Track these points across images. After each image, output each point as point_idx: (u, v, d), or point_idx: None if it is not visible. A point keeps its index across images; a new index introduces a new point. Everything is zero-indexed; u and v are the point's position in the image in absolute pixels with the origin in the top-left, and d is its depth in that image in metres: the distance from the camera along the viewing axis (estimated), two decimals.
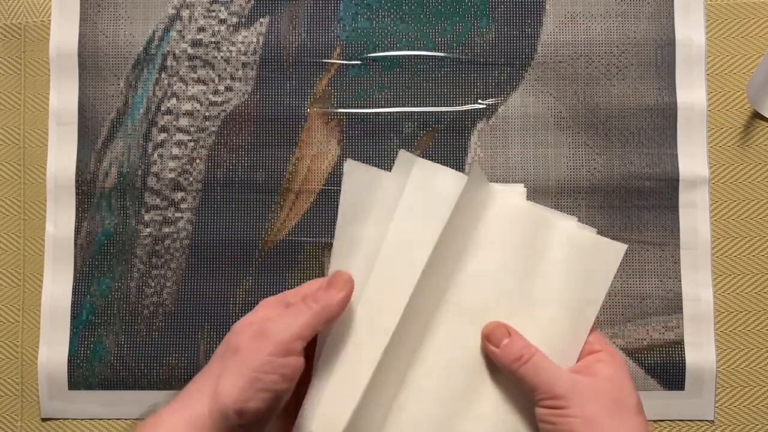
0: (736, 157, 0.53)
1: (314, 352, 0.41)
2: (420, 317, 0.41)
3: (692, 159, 0.52)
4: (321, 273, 0.52)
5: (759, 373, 0.52)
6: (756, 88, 0.52)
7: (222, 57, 0.53)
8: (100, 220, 0.53)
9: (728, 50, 0.53)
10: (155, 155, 0.53)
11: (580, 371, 0.40)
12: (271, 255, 0.52)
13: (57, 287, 0.53)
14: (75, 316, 0.53)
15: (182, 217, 0.53)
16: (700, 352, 0.51)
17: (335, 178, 0.53)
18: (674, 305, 0.52)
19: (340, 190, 0.52)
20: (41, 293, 0.53)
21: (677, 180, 0.52)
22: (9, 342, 0.53)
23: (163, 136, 0.53)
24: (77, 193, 0.53)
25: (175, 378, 0.52)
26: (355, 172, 0.43)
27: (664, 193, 0.52)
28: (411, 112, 0.53)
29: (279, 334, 0.37)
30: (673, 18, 0.53)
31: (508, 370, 0.40)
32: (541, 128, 0.53)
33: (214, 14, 0.54)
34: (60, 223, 0.53)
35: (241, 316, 0.52)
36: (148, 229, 0.53)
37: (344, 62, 0.53)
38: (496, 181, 0.52)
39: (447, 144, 0.53)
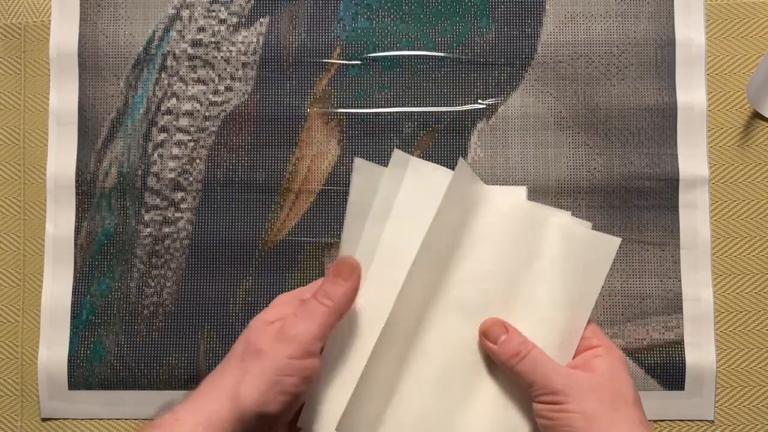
0: (736, 157, 0.53)
1: None
2: (412, 314, 0.41)
3: (692, 159, 0.52)
4: (321, 273, 0.52)
5: (759, 373, 0.52)
6: (756, 88, 0.52)
7: (222, 57, 0.53)
8: (100, 220, 0.53)
9: (728, 50, 0.53)
10: (155, 155, 0.53)
11: (578, 366, 0.40)
12: (271, 255, 0.52)
13: (57, 287, 0.53)
14: (75, 316, 0.53)
15: (182, 217, 0.53)
16: (700, 352, 0.51)
17: (335, 178, 0.53)
18: (674, 305, 0.52)
19: (340, 190, 0.53)
20: (41, 293, 0.53)
21: (677, 180, 0.52)
22: (9, 342, 0.53)
23: (163, 136, 0.53)
24: (77, 193, 0.53)
25: (175, 378, 0.52)
26: (363, 170, 0.44)
27: (664, 193, 0.52)
28: (411, 112, 0.53)
29: (299, 337, 0.37)
30: (673, 18, 0.53)
31: (505, 367, 0.40)
32: (541, 128, 0.53)
33: (214, 14, 0.54)
34: (60, 223, 0.53)
35: (241, 316, 0.52)
36: (148, 229, 0.53)
37: (344, 62, 0.53)
38: (497, 182, 0.52)
39: (447, 144, 0.53)
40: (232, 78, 0.53)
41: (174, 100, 0.53)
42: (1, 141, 0.54)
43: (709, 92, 0.53)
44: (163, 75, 0.54)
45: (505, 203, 0.43)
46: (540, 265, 0.42)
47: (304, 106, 0.53)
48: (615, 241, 0.43)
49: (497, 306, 0.42)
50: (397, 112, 0.53)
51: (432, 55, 0.53)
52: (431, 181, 0.43)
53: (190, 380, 0.52)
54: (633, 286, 0.52)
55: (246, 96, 0.53)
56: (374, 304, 0.41)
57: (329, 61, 0.53)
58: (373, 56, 0.53)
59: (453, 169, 0.43)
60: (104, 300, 0.53)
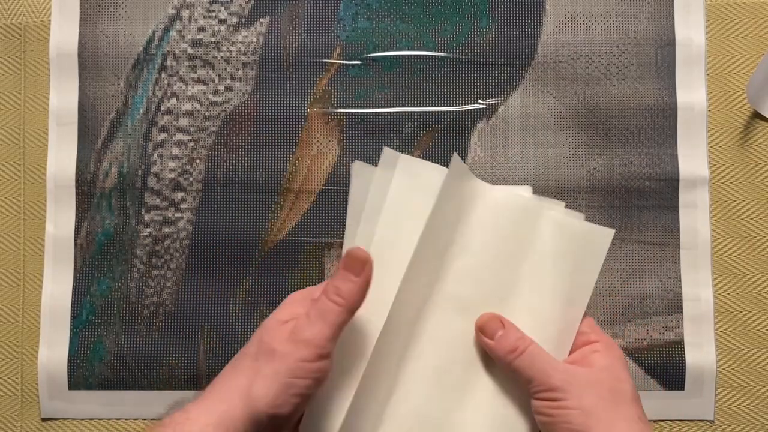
0: (736, 157, 0.53)
1: None
2: (410, 312, 0.41)
3: (692, 159, 0.52)
4: (321, 273, 0.52)
5: (759, 373, 0.52)
6: (756, 88, 0.52)
7: (222, 57, 0.53)
8: (100, 220, 0.53)
9: (728, 50, 0.53)
10: (155, 155, 0.53)
11: (576, 362, 0.40)
12: (271, 255, 0.52)
13: (57, 287, 0.53)
14: (75, 316, 0.53)
15: (182, 217, 0.53)
16: (700, 352, 0.51)
17: (335, 178, 0.53)
18: (674, 305, 0.52)
19: (340, 190, 0.53)
20: (41, 293, 0.53)
21: (677, 180, 0.52)
22: (9, 342, 0.53)
23: (163, 136, 0.53)
24: (77, 193, 0.53)
25: (175, 378, 0.52)
26: (361, 173, 0.44)
27: (664, 193, 0.52)
28: (411, 112, 0.53)
29: (312, 340, 0.37)
30: (673, 18, 0.53)
31: (502, 363, 0.40)
32: (541, 128, 0.53)
33: (214, 14, 0.54)
34: (60, 223, 0.53)
35: (241, 316, 0.52)
36: (148, 229, 0.53)
37: (344, 62, 0.53)
38: (497, 182, 0.52)
39: (447, 144, 0.53)
40: (232, 78, 0.53)
41: (174, 100, 0.53)
42: (1, 141, 0.54)
43: (709, 92, 0.53)
44: (163, 75, 0.54)
45: (498, 197, 0.43)
46: (534, 259, 0.42)
47: (304, 106, 0.53)
48: (608, 233, 0.42)
49: (492, 301, 0.42)
50: (397, 112, 0.53)
51: (432, 55, 0.53)
52: (421, 177, 0.43)
53: (190, 380, 0.52)
54: (633, 286, 0.52)
55: (246, 96, 0.53)
56: (370, 304, 0.41)
57: (329, 61, 0.53)
58: (373, 56, 0.53)
59: (448, 166, 0.43)
60: (104, 300, 0.53)
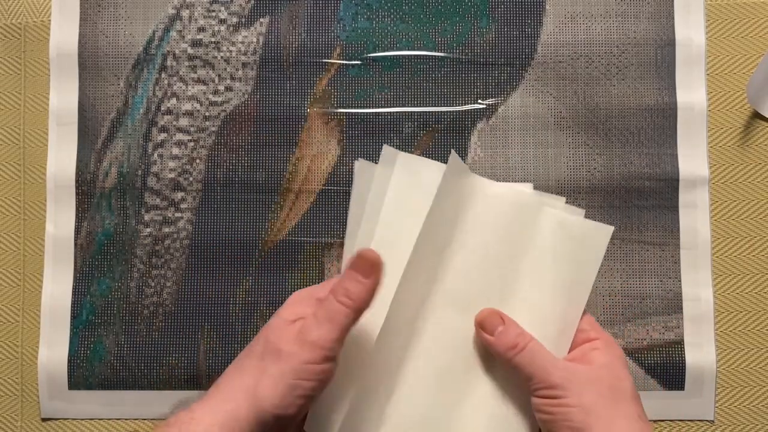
0: (736, 157, 0.53)
1: None
2: (409, 311, 0.41)
3: (692, 159, 0.52)
4: (321, 273, 0.52)
5: (759, 373, 0.52)
6: (756, 88, 0.52)
7: (222, 57, 0.53)
8: (100, 220, 0.53)
9: (728, 50, 0.53)
10: (155, 155, 0.53)
11: (576, 359, 0.40)
12: (271, 255, 0.52)
13: (57, 287, 0.53)
14: (75, 316, 0.53)
15: (182, 217, 0.53)
16: (700, 352, 0.51)
17: (335, 178, 0.53)
18: (674, 305, 0.52)
19: (340, 190, 0.53)
20: (41, 293, 0.53)
21: (677, 180, 0.52)
22: (9, 342, 0.53)
23: (163, 136, 0.53)
24: (77, 193, 0.53)
25: (175, 378, 0.52)
26: (363, 171, 0.44)
27: (664, 193, 0.52)
28: (411, 112, 0.53)
29: (318, 342, 0.36)
30: (673, 18, 0.53)
31: (502, 359, 0.40)
32: (541, 128, 0.53)
33: (214, 14, 0.54)
34: (60, 223, 0.53)
35: (241, 316, 0.52)
36: (148, 229, 0.53)
37: (344, 62, 0.53)
38: (497, 181, 0.52)
39: (447, 144, 0.53)
40: (232, 78, 0.53)
41: (174, 100, 0.53)
42: (1, 141, 0.54)
43: (709, 92, 0.53)
44: (163, 75, 0.54)
45: (498, 194, 0.43)
46: (534, 256, 0.42)
47: (304, 106, 0.53)
48: (608, 230, 0.42)
49: (492, 299, 0.42)
50: (397, 112, 0.53)
51: (432, 55, 0.53)
52: (420, 175, 0.43)
53: (190, 380, 0.52)
54: (633, 286, 0.52)
55: (246, 96, 0.53)
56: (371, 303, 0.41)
57: (329, 61, 0.53)
58: (373, 56, 0.53)
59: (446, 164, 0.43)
60: (104, 300, 0.53)
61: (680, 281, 0.52)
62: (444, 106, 0.53)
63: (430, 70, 0.53)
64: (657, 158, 0.52)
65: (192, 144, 0.53)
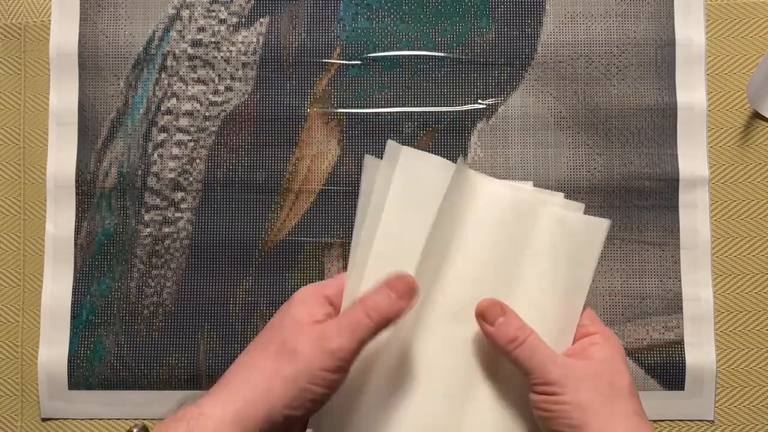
0: (736, 157, 0.53)
1: None
2: (411, 314, 0.41)
3: (692, 159, 0.52)
4: (321, 273, 0.52)
5: (759, 373, 0.52)
6: (756, 88, 0.52)
7: (222, 57, 0.53)
8: (100, 220, 0.53)
9: (728, 50, 0.53)
10: (155, 155, 0.53)
11: (575, 354, 0.40)
12: (271, 255, 0.52)
13: (57, 287, 0.53)
14: (75, 316, 0.53)
15: (182, 217, 0.53)
16: (700, 352, 0.51)
17: (335, 178, 0.53)
18: (674, 305, 0.52)
19: (340, 190, 0.53)
20: (41, 293, 0.53)
21: (677, 180, 0.52)
22: (9, 342, 0.53)
23: (163, 136, 0.53)
24: (77, 193, 0.53)
25: (175, 378, 0.52)
26: (371, 167, 0.43)
27: (664, 193, 0.52)
28: (411, 112, 0.53)
29: (337, 352, 0.36)
30: (673, 18, 0.53)
31: (502, 351, 0.39)
32: (541, 128, 0.53)
33: (214, 14, 0.54)
34: (60, 223, 0.53)
35: (241, 316, 0.52)
36: (148, 229, 0.53)
37: (344, 62, 0.53)
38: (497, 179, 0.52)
39: (447, 144, 0.53)
40: (232, 78, 0.53)
41: (174, 100, 0.53)
42: (1, 141, 0.54)
43: (709, 92, 0.53)
44: (163, 75, 0.54)
45: (495, 194, 0.42)
46: (533, 255, 0.42)
47: (304, 106, 0.53)
48: (604, 223, 0.42)
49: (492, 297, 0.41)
50: (397, 112, 0.53)
51: (432, 55, 0.53)
52: (423, 172, 0.42)
53: (190, 380, 0.52)
54: (633, 286, 0.52)
55: (246, 96, 0.53)
56: None
57: (329, 61, 0.53)
58: (373, 56, 0.53)
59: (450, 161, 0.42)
60: (104, 300, 0.53)
61: (680, 281, 0.52)
62: (444, 106, 0.53)
63: (430, 70, 0.53)
64: (657, 158, 0.52)
65: (192, 144, 0.53)
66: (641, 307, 0.52)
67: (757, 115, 0.53)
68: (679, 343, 0.51)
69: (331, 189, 0.53)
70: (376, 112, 0.53)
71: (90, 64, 0.54)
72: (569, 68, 0.53)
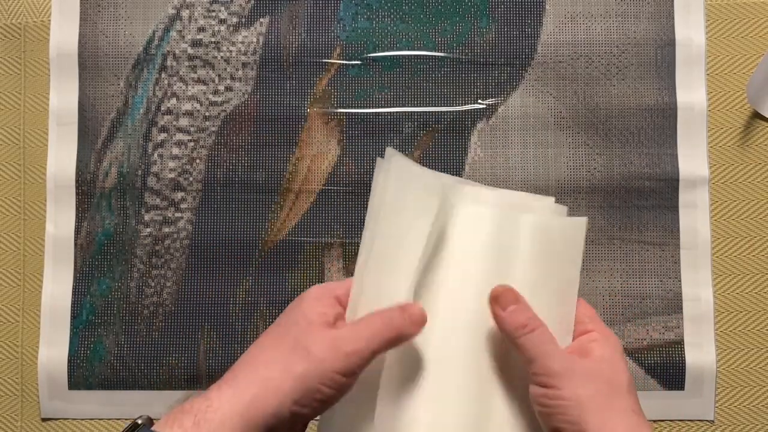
0: (736, 157, 0.53)
1: None
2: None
3: (692, 159, 0.52)
4: (321, 273, 0.52)
5: (759, 373, 0.52)
6: (756, 88, 0.52)
7: (222, 57, 0.53)
8: (100, 220, 0.53)
9: (728, 50, 0.53)
10: (155, 155, 0.53)
11: (574, 351, 0.40)
12: (271, 255, 0.52)
13: (57, 287, 0.53)
14: (75, 316, 0.53)
15: (182, 217, 0.53)
16: (700, 352, 0.51)
17: (335, 178, 0.53)
18: (674, 305, 0.52)
19: (340, 190, 0.53)
20: (41, 293, 0.53)
21: (677, 180, 0.52)
22: (9, 342, 0.53)
23: (163, 136, 0.53)
24: (77, 193, 0.53)
25: (175, 378, 0.52)
26: (381, 169, 0.42)
27: (664, 193, 0.52)
28: (411, 112, 0.53)
29: (350, 357, 0.36)
30: (673, 18, 0.53)
31: (509, 337, 0.39)
32: (541, 128, 0.53)
33: (214, 14, 0.54)
34: (60, 223, 0.53)
35: (241, 316, 0.52)
36: (148, 229, 0.53)
37: (344, 62, 0.53)
38: (497, 182, 0.52)
39: (447, 144, 0.53)
40: (232, 78, 0.53)
41: (174, 100, 0.53)
42: (1, 141, 0.54)
43: (709, 92, 0.53)
44: (163, 75, 0.54)
45: (475, 209, 0.42)
46: (518, 266, 0.42)
47: (304, 106, 0.53)
48: (582, 222, 0.42)
49: (487, 314, 0.41)
50: (397, 112, 0.53)
51: (432, 55, 0.53)
52: (413, 188, 0.41)
53: (190, 380, 0.52)
54: (633, 286, 0.52)
55: (246, 96, 0.53)
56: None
57: (329, 61, 0.53)
58: (373, 56, 0.53)
59: (445, 172, 0.42)
60: (104, 300, 0.53)
61: (680, 281, 0.52)
62: (444, 106, 0.53)
63: (430, 70, 0.53)
64: (657, 158, 0.52)
65: (192, 144, 0.53)
66: (641, 307, 0.52)
67: (757, 115, 0.53)
68: (679, 343, 0.51)
69: (331, 189, 0.53)
70: (376, 112, 0.53)
71: (90, 64, 0.54)
72: (569, 68, 0.53)
